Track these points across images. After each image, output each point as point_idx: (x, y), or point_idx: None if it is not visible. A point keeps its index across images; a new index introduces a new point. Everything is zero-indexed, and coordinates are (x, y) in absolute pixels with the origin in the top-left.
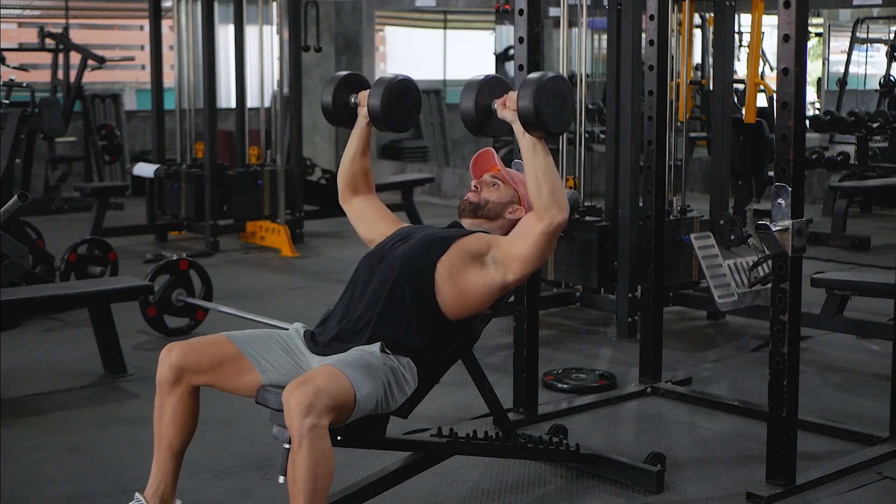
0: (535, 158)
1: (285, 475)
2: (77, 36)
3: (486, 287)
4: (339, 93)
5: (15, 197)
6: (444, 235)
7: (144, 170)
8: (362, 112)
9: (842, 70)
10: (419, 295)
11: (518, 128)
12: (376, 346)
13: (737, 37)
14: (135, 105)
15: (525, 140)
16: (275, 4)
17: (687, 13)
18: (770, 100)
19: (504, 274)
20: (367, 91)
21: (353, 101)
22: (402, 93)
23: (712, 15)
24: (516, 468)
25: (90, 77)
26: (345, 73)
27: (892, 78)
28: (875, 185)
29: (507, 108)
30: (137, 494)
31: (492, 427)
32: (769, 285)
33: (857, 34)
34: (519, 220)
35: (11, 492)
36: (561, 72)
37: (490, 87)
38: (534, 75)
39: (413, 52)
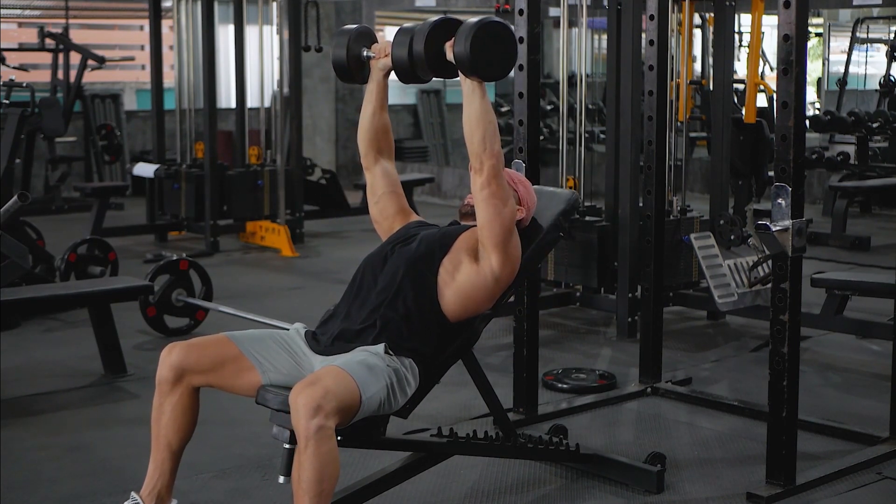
0: (472, 102)
1: (285, 475)
2: (77, 36)
3: (481, 281)
4: (352, 46)
5: (15, 197)
6: (445, 236)
7: (144, 170)
8: (378, 64)
9: (842, 70)
10: (422, 297)
11: (460, 72)
12: (380, 347)
13: (737, 37)
14: (135, 105)
15: (465, 84)
16: (275, 4)
17: (687, 13)
18: (770, 100)
19: (489, 261)
20: (384, 42)
21: (365, 54)
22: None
23: (712, 15)
24: (516, 468)
25: (90, 77)
26: (354, 26)
27: (892, 78)
28: (875, 185)
29: (451, 51)
30: (133, 493)
31: (492, 427)
32: (769, 285)
33: (857, 34)
34: (520, 220)
35: (11, 492)
36: (561, 72)
37: (443, 30)
38: (472, 19)
39: None
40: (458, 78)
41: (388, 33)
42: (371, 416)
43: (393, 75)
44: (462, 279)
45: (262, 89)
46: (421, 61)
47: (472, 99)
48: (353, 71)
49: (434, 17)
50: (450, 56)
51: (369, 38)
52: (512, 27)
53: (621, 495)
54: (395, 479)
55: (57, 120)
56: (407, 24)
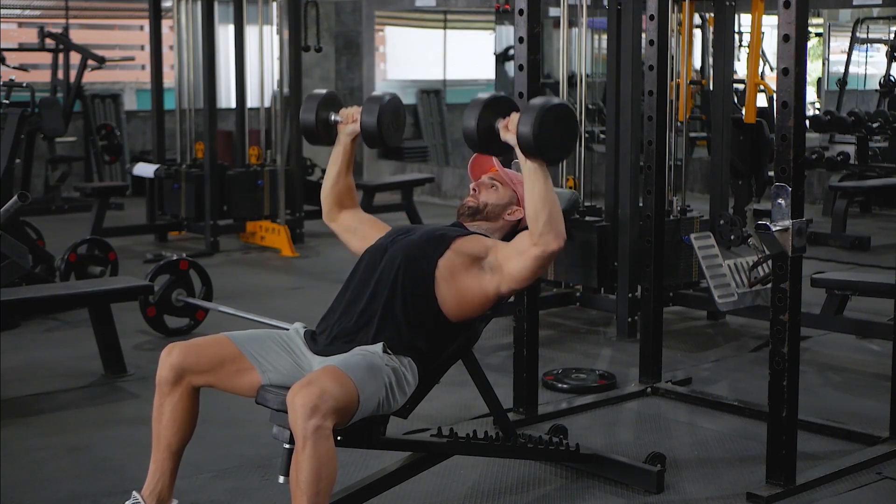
0: (535, 183)
1: (285, 475)
2: (77, 36)
3: (481, 291)
4: (320, 111)
5: (15, 197)
6: (446, 233)
7: (144, 170)
8: (346, 129)
9: (842, 70)
10: (419, 290)
11: (519, 152)
12: (378, 347)
13: (737, 37)
14: (135, 105)
15: (526, 165)
16: (275, 4)
17: (687, 13)
18: (770, 100)
19: (498, 284)
20: (350, 108)
21: (332, 118)
22: (395, 110)
23: (712, 15)
24: (516, 468)
25: (90, 77)
26: (323, 91)
27: (892, 78)
28: (875, 185)
29: (509, 132)
30: (135, 493)
31: (492, 427)
32: (769, 285)
33: (857, 34)
34: (518, 220)
35: (11, 492)
36: (561, 72)
37: (495, 106)
38: (537, 101)
39: (413, 52)
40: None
41: (389, 33)
42: (370, 416)
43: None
44: (463, 284)
45: (262, 89)
46: (472, 138)
47: (535, 179)
48: (320, 134)
49: (485, 94)
50: (504, 136)
51: (337, 104)
52: (573, 108)
53: (621, 495)
54: (395, 479)
55: (57, 120)
56: (376, 93)
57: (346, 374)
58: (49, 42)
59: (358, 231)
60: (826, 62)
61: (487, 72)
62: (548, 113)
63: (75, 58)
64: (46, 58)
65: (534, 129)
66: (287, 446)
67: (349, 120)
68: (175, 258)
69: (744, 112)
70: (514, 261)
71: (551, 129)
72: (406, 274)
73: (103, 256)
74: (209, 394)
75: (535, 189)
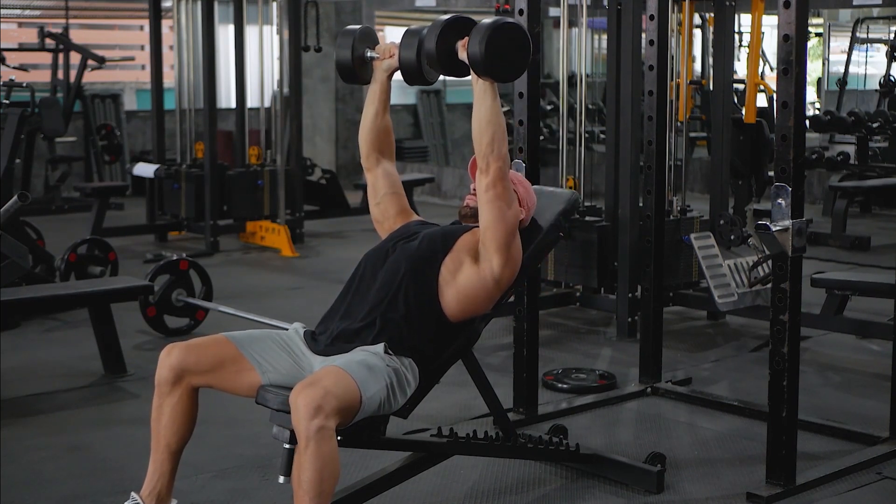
0: (483, 103)
1: (285, 475)
2: (77, 36)
3: (480, 282)
4: (356, 47)
5: (15, 197)
6: (447, 235)
7: (144, 170)
8: (382, 65)
9: (842, 70)
10: (423, 297)
11: (472, 72)
12: (380, 347)
13: (737, 37)
14: (135, 105)
15: (477, 84)
16: (275, 4)
17: (687, 13)
18: (770, 100)
19: (490, 263)
20: (387, 44)
21: (368, 54)
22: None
23: (712, 15)
24: (516, 468)
25: (90, 77)
26: (357, 26)
27: (892, 78)
28: (875, 185)
29: (465, 51)
30: (134, 494)
31: (492, 427)
32: (769, 285)
33: (857, 34)
34: (520, 221)
35: (11, 492)
36: (561, 72)
37: (455, 28)
38: (487, 20)
39: None
40: (467, 77)
41: (389, 33)
42: (371, 416)
43: (397, 76)
44: (462, 280)
45: (262, 89)
46: (433, 59)
47: (483, 99)
48: (356, 71)
49: (446, 16)
50: (462, 55)
51: (373, 39)
52: (526, 29)
53: (621, 495)
54: (395, 479)
55: (57, 120)
56: (414, 26)
57: (348, 375)
58: (49, 42)
59: (382, 202)
60: (826, 62)
61: None
62: (497, 31)
63: (75, 58)
64: (46, 58)
65: (482, 47)
66: (287, 446)
67: (386, 55)
68: (175, 258)
69: (744, 112)
70: (481, 215)
71: (501, 48)
72: (410, 282)
73: (103, 256)
74: (209, 394)
75: (483, 108)
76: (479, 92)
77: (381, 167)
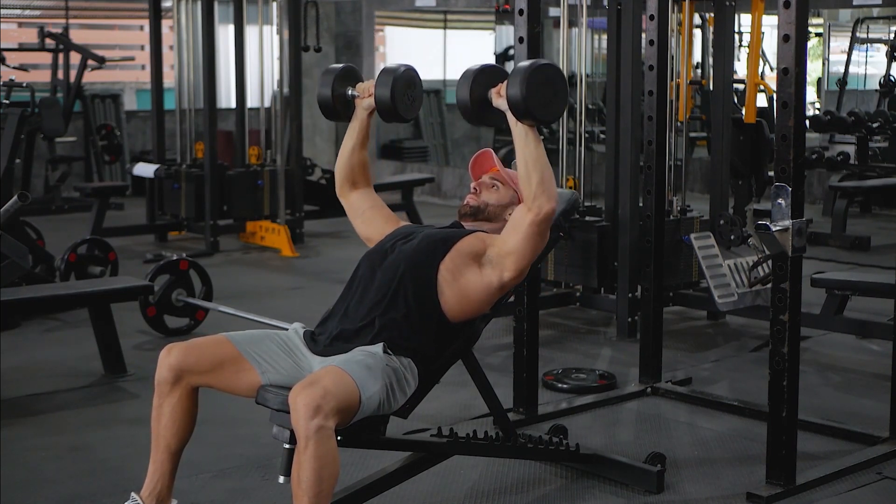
0: (526, 147)
1: (285, 475)
2: (77, 36)
3: (484, 287)
4: (337, 86)
5: (15, 197)
6: (447, 236)
7: (144, 170)
8: (362, 104)
9: (842, 70)
10: (422, 296)
11: (511, 116)
12: (379, 347)
13: (737, 37)
14: (135, 105)
15: (517, 128)
16: (275, 4)
17: (687, 13)
18: (770, 100)
19: (500, 273)
20: (367, 82)
21: (349, 93)
22: (409, 82)
23: (712, 15)
24: (516, 468)
25: (90, 77)
26: (340, 65)
27: (892, 78)
28: (875, 185)
29: (500, 97)
30: (134, 494)
31: (492, 427)
32: (769, 285)
33: (857, 34)
34: None
35: (11, 492)
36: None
37: (486, 76)
38: (524, 63)
39: (413, 52)
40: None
41: (389, 33)
42: (371, 416)
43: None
44: (465, 283)
45: (262, 89)
46: (465, 108)
47: (526, 143)
48: (337, 109)
49: (475, 65)
50: (496, 102)
51: (355, 77)
52: (562, 69)
53: (621, 495)
54: (395, 479)
55: (57, 120)
56: (390, 65)
57: (347, 374)
58: (49, 42)
59: (365, 215)
60: (826, 62)
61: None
62: (535, 73)
63: (75, 58)
64: (46, 58)
65: (521, 90)
66: (287, 446)
67: (365, 94)
68: (175, 258)
69: (744, 112)
70: (511, 238)
71: (540, 90)
72: (409, 282)
73: (103, 256)
74: (209, 394)
75: (527, 152)
76: (520, 136)
77: (356, 194)
